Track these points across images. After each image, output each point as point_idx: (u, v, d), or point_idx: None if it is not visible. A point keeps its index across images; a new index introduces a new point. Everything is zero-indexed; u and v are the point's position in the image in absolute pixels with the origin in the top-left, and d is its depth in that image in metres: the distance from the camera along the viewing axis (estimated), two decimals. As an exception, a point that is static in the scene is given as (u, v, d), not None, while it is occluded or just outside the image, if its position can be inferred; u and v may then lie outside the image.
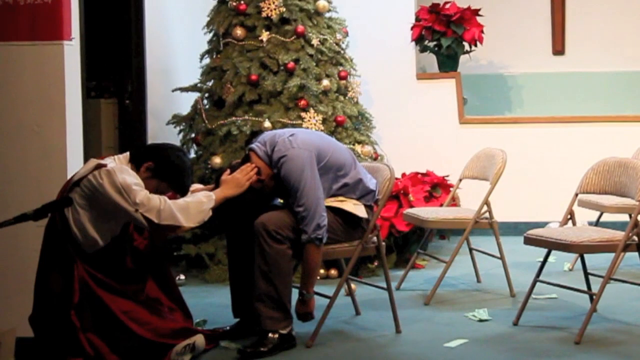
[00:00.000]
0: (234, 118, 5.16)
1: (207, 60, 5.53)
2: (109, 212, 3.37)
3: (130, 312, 3.42)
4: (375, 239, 3.93)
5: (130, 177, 3.38)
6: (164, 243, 3.72)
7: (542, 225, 5.19)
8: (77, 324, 3.32)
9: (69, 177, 3.64)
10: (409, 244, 5.30)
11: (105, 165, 3.38)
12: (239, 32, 5.27)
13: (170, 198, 3.49)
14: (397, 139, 6.31)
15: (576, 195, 4.17)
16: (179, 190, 3.59)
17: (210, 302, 4.48)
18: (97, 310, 3.36)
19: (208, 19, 5.49)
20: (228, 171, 3.70)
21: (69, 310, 3.31)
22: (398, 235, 5.15)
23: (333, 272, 4.92)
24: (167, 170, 3.52)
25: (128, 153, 3.58)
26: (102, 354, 3.35)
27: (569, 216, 4.15)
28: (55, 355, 3.36)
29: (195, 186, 3.81)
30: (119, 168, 3.39)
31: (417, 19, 6.44)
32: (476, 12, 6.38)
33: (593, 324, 3.86)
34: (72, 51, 3.80)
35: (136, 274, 3.53)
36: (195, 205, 3.46)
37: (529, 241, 3.94)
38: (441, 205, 5.15)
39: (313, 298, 3.71)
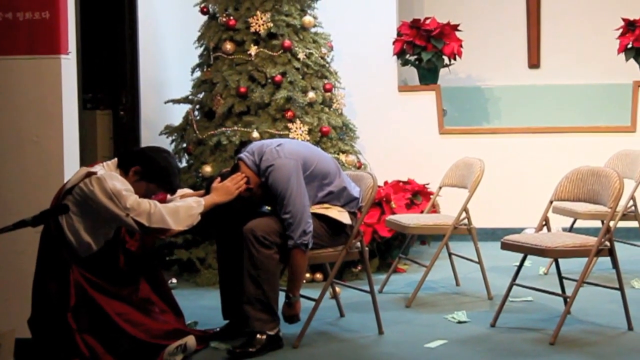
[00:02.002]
0: (223, 129, 5.20)
1: (198, 74, 5.55)
2: (101, 217, 3.39)
3: (124, 314, 3.44)
4: (358, 244, 3.97)
5: (119, 183, 3.40)
6: (154, 246, 3.74)
7: (518, 231, 5.19)
8: (73, 325, 3.35)
9: (66, 185, 3.69)
10: (391, 249, 5.34)
11: (95, 173, 3.39)
12: (228, 46, 5.30)
13: (161, 200, 3.52)
14: (380, 148, 6.36)
15: (551, 202, 4.21)
16: (168, 189, 3.62)
17: (201, 305, 4.51)
18: (93, 312, 3.40)
19: (199, 33, 5.51)
20: (219, 179, 3.73)
21: (65, 313, 3.35)
22: (380, 240, 5.19)
23: (318, 276, 4.95)
24: (155, 172, 3.54)
25: (116, 159, 3.59)
26: (98, 354, 3.36)
27: (544, 222, 4.19)
28: (53, 356, 3.38)
29: (186, 191, 3.84)
30: (109, 175, 3.41)
31: (399, 34, 6.48)
32: (455, 27, 6.42)
33: (567, 326, 3.92)
34: (68, 65, 3.84)
35: (129, 276, 3.56)
36: (184, 210, 3.49)
37: (505, 246, 3.97)
38: (422, 212, 5.18)
39: (299, 301, 3.77)
